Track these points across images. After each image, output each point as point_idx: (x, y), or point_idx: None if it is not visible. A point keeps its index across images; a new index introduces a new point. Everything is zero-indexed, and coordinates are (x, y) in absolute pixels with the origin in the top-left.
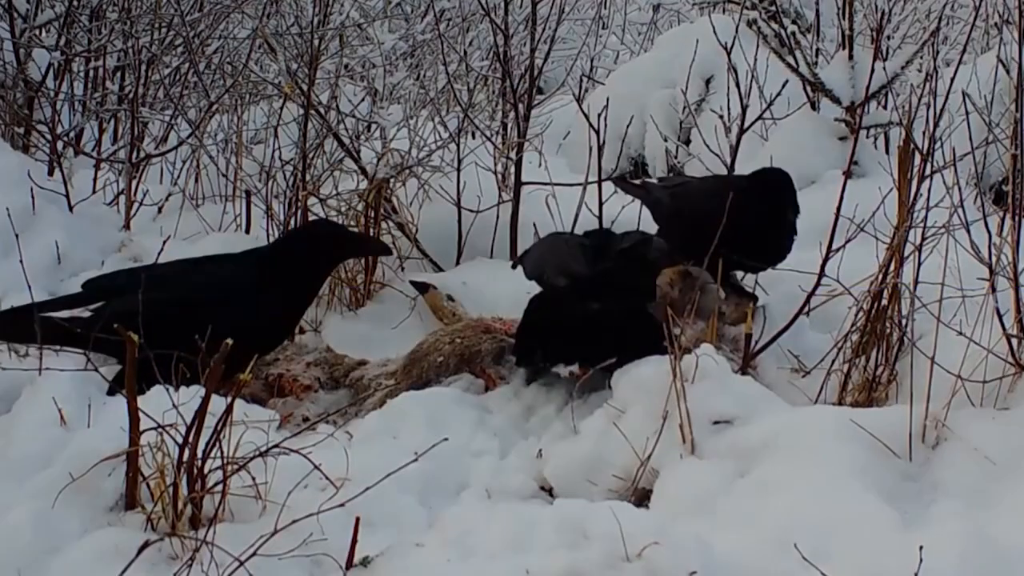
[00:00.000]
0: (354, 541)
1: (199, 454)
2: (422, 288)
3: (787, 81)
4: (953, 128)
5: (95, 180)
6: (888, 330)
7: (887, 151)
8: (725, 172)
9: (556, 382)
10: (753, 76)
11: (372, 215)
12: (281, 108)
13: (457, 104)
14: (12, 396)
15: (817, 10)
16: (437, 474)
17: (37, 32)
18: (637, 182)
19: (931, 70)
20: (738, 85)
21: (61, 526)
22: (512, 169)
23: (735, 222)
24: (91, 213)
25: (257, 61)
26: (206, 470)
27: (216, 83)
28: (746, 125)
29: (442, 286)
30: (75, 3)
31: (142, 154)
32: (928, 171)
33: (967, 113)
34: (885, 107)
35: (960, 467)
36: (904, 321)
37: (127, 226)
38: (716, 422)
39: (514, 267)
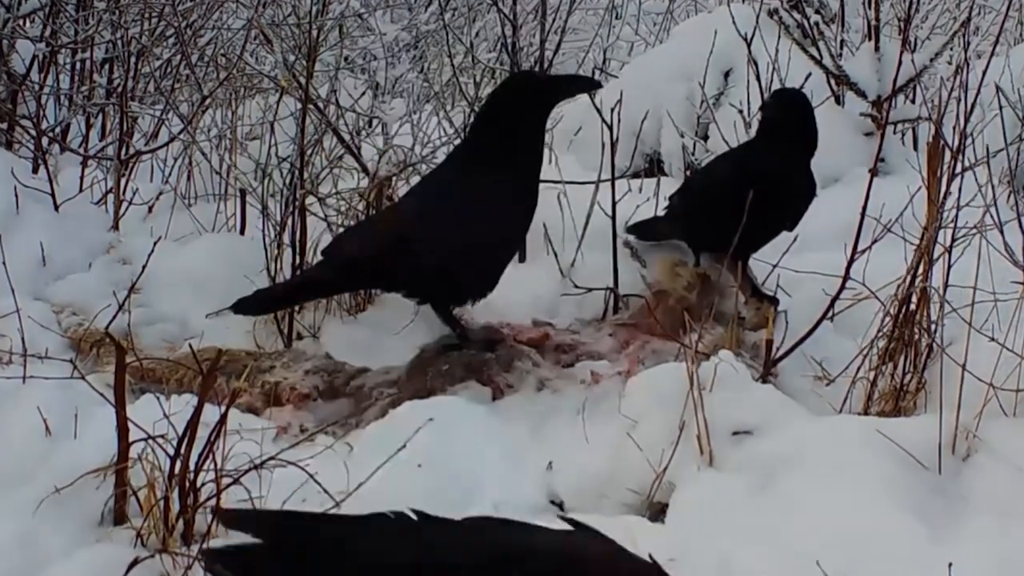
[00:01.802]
0: None
1: (191, 466)
2: None
3: (810, 74)
4: (985, 123)
5: (82, 178)
6: (916, 336)
7: (915, 147)
8: None
9: (567, 390)
10: (774, 68)
11: (373, 215)
12: (278, 103)
13: (463, 98)
14: None
15: None
16: (442, 487)
17: (21, 22)
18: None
19: (962, 62)
20: (758, 78)
21: (45, 542)
22: None
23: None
24: (78, 213)
25: (252, 53)
26: (199, 483)
27: (209, 76)
28: None
29: None
30: None
31: (131, 151)
32: (959, 168)
33: (1000, 107)
34: (913, 101)
35: (992, 480)
36: (933, 326)
37: (115, 226)
38: (736, 432)
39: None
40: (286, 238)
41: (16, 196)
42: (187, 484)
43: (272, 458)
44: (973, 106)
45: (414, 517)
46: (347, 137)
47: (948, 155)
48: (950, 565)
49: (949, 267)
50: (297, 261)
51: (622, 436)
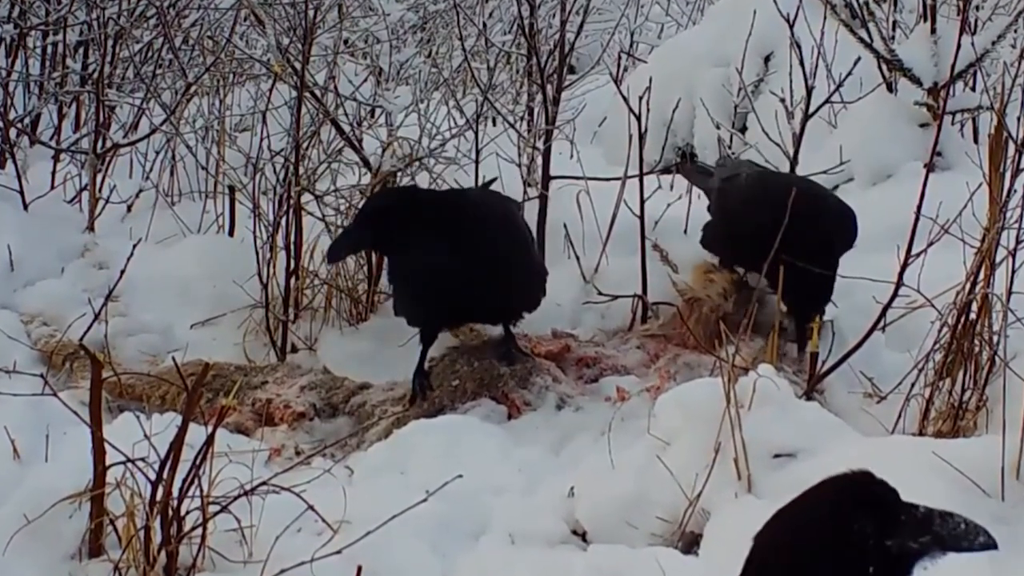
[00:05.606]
0: None
1: (175, 492)
2: None
3: (859, 58)
4: None
5: (54, 174)
6: (977, 348)
7: (975, 140)
8: (787, 163)
9: (590, 408)
10: (820, 53)
11: None
12: (270, 90)
13: (475, 85)
14: None
15: None
16: (452, 516)
17: None
18: (705, 167)
19: None
20: (802, 63)
21: None
22: (539, 161)
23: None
24: (49, 212)
25: (243, 36)
26: (183, 511)
27: (195, 61)
28: (811, 110)
29: None
30: None
31: (108, 143)
32: (1023, 163)
33: None
34: (973, 89)
35: None
36: (996, 338)
37: (91, 227)
38: (777, 455)
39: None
40: (279, 240)
41: None
42: (170, 512)
43: (264, 483)
44: None
45: None
46: (347, 128)
47: (1012, 148)
48: None
49: (1013, 272)
50: (292, 265)
51: (651, 459)
